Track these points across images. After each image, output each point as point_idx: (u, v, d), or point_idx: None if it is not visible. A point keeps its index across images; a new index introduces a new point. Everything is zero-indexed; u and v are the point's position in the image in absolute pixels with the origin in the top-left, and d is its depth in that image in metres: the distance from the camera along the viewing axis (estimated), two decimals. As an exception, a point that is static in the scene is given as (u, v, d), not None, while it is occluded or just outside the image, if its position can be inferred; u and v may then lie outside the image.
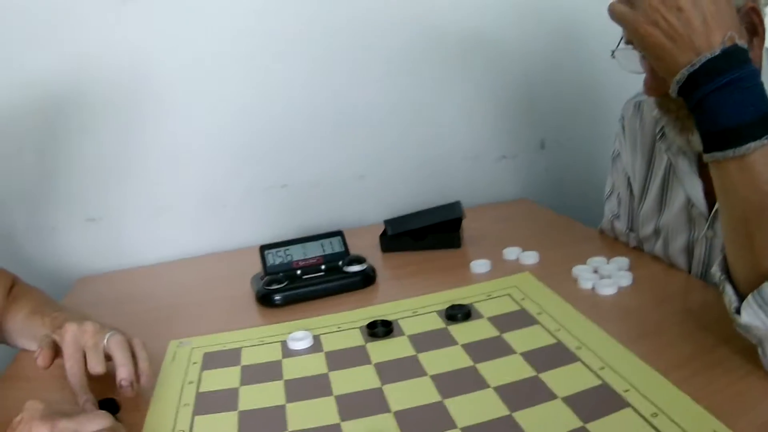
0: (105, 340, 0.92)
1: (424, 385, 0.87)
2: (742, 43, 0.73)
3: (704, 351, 0.86)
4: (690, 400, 0.75)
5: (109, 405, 0.88)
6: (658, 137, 1.11)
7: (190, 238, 1.60)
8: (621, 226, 1.26)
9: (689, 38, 0.73)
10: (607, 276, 1.09)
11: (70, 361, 0.90)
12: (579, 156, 1.78)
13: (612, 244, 1.28)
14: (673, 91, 0.77)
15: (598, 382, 0.81)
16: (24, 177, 1.53)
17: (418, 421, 0.79)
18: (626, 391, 0.79)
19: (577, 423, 0.74)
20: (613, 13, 0.78)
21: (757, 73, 0.73)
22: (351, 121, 1.61)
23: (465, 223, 1.40)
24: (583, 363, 0.86)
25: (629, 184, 1.24)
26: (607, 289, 1.05)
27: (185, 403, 0.90)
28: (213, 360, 1.02)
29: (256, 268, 1.27)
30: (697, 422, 0.71)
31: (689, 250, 1.10)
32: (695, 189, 1.05)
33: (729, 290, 0.78)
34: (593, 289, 1.07)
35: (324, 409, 0.84)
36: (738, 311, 0.76)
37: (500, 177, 1.75)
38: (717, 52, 0.72)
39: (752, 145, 0.71)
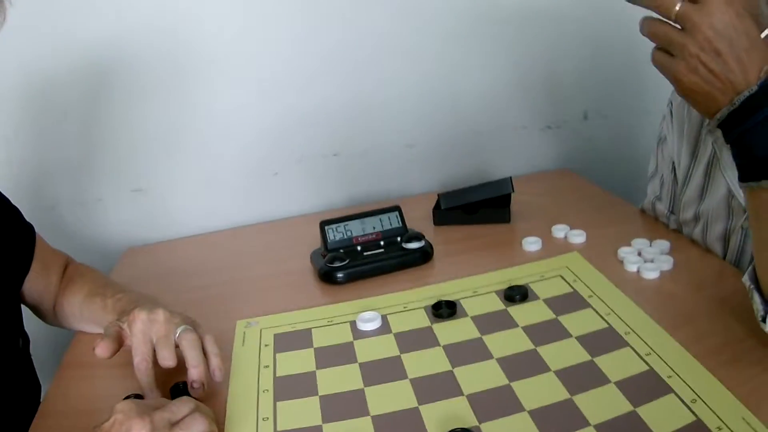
0: (176, 334, 0.92)
1: (491, 368, 0.92)
2: None
3: (735, 340, 0.90)
4: (724, 387, 0.80)
5: (179, 390, 0.92)
6: (705, 128, 1.13)
7: (239, 207, 1.63)
8: (662, 208, 1.29)
9: (728, 80, 0.74)
10: (650, 260, 1.13)
11: (139, 356, 0.90)
12: (621, 129, 1.79)
13: (653, 224, 1.31)
14: (712, 126, 0.79)
15: (645, 368, 0.86)
16: (69, 148, 1.55)
17: (490, 404, 0.85)
18: (669, 377, 0.84)
19: (629, 407, 0.80)
20: (655, 62, 0.79)
21: None
22: (401, 91, 1.63)
23: (520, 197, 1.44)
24: (632, 348, 0.91)
25: (674, 169, 1.25)
26: (651, 273, 1.10)
27: (264, 388, 0.96)
28: (285, 342, 1.07)
29: (309, 238, 1.32)
30: (730, 410, 0.76)
31: (726, 238, 1.12)
32: (737, 181, 1.06)
33: (756, 299, 0.82)
34: (638, 272, 1.12)
35: (401, 393, 0.90)
36: (764, 319, 0.81)
37: (544, 147, 1.77)
38: (755, 89, 0.73)
39: None
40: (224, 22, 1.52)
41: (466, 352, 0.96)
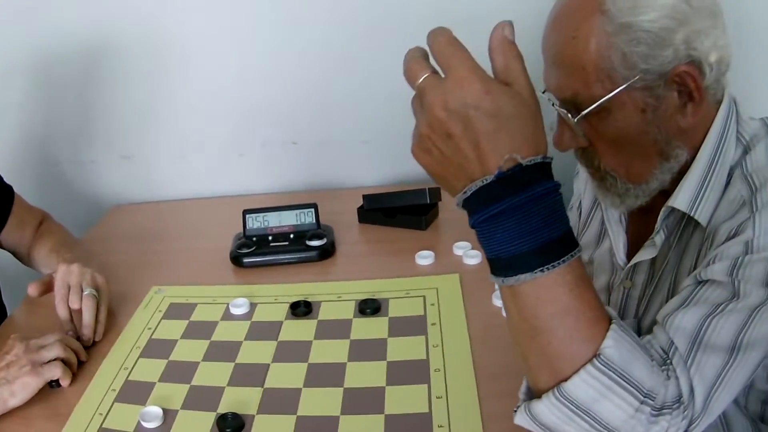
0: (85, 292, 1.24)
1: (298, 370, 1.13)
2: (528, 160, 0.63)
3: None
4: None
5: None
6: None
7: (211, 179, 1.93)
8: None
9: (460, 166, 0.65)
10: None
11: (57, 296, 1.23)
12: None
13: None
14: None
15: (425, 411, 0.99)
16: (66, 117, 1.90)
17: (276, 399, 1.09)
18: (440, 426, 0.96)
19: None
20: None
21: (549, 191, 0.65)
22: (363, 87, 1.81)
23: (448, 204, 1.53)
24: (429, 387, 1.04)
25: (579, 206, 1.26)
26: None
27: (138, 345, 1.24)
28: (173, 311, 1.35)
29: None
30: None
31: (608, 292, 1.13)
32: (617, 240, 1.10)
33: (523, 384, 0.78)
34: (501, 307, 1.16)
35: (220, 372, 1.15)
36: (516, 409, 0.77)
37: None
38: (490, 178, 0.63)
39: (521, 277, 0.66)
40: (202, 14, 1.78)
41: (292, 351, 1.19)
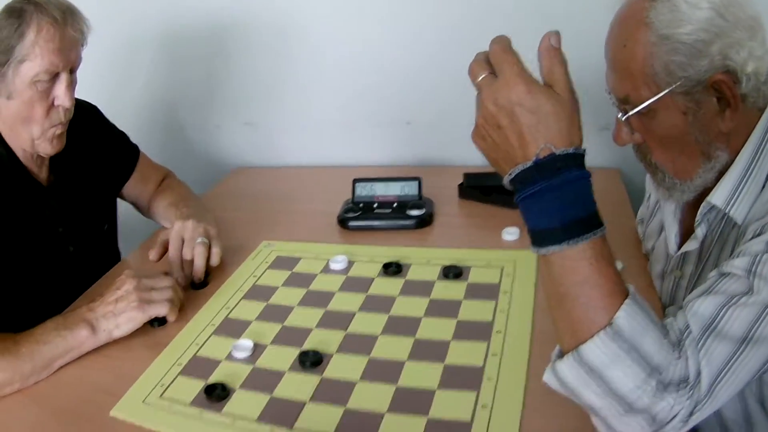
0: (197, 240, 1.36)
1: (379, 319, 1.23)
2: (561, 150, 0.74)
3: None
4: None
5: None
6: None
7: (327, 150, 2.05)
8: (640, 232, 1.36)
9: (507, 152, 0.76)
10: None
11: (171, 247, 1.36)
12: None
13: (637, 244, 1.37)
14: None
15: (479, 365, 1.05)
16: (193, 86, 2.06)
17: (354, 342, 1.18)
18: (489, 379, 1.02)
19: (433, 386, 1.03)
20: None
21: (579, 178, 0.75)
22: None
23: None
24: (488, 344, 1.09)
25: (649, 198, 1.33)
26: None
27: (243, 289, 1.36)
28: (279, 263, 1.46)
29: None
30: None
31: (661, 279, 1.19)
32: (670, 231, 1.15)
33: (556, 348, 0.83)
34: None
35: (313, 317, 1.25)
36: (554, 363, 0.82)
37: (598, 146, 1.81)
38: (529, 164, 0.74)
39: (551, 248, 0.75)
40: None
41: (377, 303, 1.27)
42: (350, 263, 1.43)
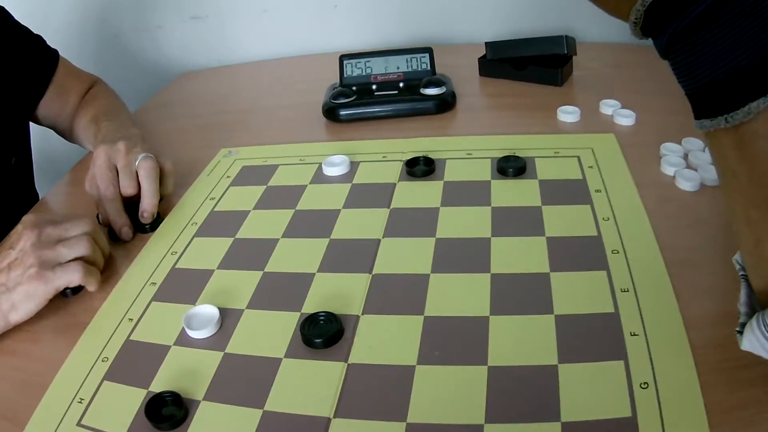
0: (137, 161, 0.85)
1: (422, 248, 0.72)
2: None
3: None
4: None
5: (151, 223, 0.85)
6: None
7: (297, 36, 1.48)
8: None
9: None
10: (694, 167, 0.82)
11: (104, 182, 0.85)
12: None
13: None
14: (636, 34, 0.49)
15: (609, 310, 0.60)
16: None
17: (397, 286, 0.67)
18: (633, 335, 0.57)
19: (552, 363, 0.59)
20: None
21: None
22: None
23: (581, 61, 1.17)
24: (608, 276, 0.64)
25: None
26: (687, 184, 0.79)
27: (195, 221, 0.84)
28: (246, 175, 0.93)
29: None
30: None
31: None
32: None
33: (743, 293, 0.49)
34: (674, 177, 0.81)
35: (310, 253, 0.74)
36: (741, 330, 0.48)
37: None
38: None
39: (753, 105, 0.42)
40: None
41: (411, 222, 0.77)
42: (354, 165, 0.91)
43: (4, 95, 1.02)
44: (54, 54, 1.13)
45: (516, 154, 0.87)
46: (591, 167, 0.84)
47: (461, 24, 1.42)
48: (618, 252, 0.67)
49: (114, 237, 0.83)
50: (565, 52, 1.09)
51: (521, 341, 0.57)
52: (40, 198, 1.09)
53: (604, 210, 0.74)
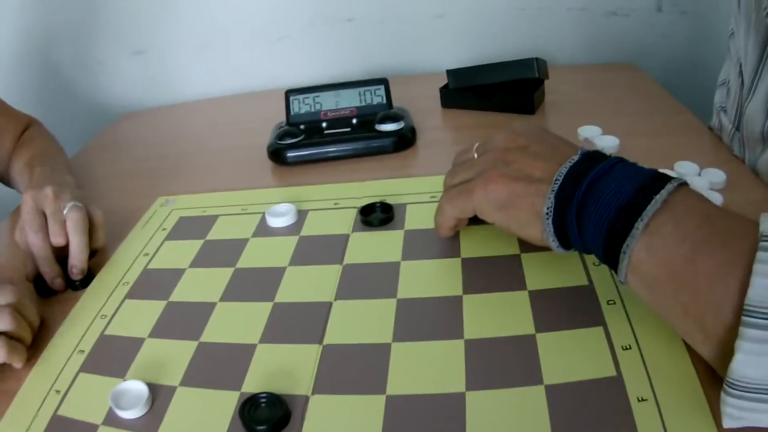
0: (65, 210, 0.78)
1: (380, 311, 0.64)
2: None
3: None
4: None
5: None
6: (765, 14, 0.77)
7: (242, 72, 1.41)
8: (726, 122, 0.93)
9: (539, 165, 0.58)
10: None
11: (33, 228, 0.77)
12: (703, 28, 1.35)
13: (715, 146, 0.91)
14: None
15: (611, 374, 0.52)
16: (73, 10, 1.39)
17: (353, 359, 0.59)
18: (642, 400, 0.50)
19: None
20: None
21: (620, 159, 0.54)
22: None
23: (552, 85, 1.11)
24: (605, 330, 0.56)
25: (740, 72, 0.89)
26: None
27: (126, 281, 0.75)
28: (183, 228, 0.84)
29: None
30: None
31: None
32: None
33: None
34: None
35: (251, 319, 0.65)
36: None
37: (607, 36, 1.38)
38: (576, 157, 0.56)
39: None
40: None
41: (363, 281, 0.68)
42: (301, 214, 0.83)
43: None
44: None
45: None
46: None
47: (419, 53, 1.36)
48: (614, 302, 0.60)
49: (42, 291, 0.75)
50: (536, 75, 1.03)
51: (506, 418, 0.49)
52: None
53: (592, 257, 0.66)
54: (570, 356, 0.53)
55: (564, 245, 0.56)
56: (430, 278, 0.66)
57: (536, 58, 1.04)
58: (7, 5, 1.40)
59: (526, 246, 0.67)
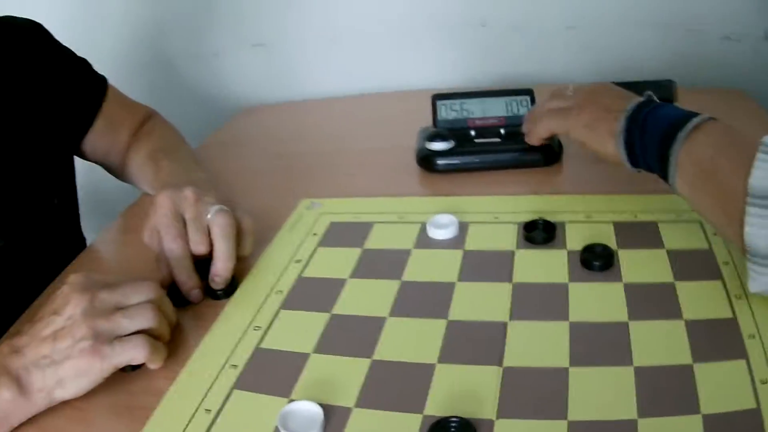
0: (209, 215, 0.74)
1: (554, 334, 0.62)
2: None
3: None
4: None
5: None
6: None
7: (368, 72, 1.39)
8: None
9: (609, 106, 0.77)
10: None
11: (168, 235, 0.73)
12: None
13: None
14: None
15: (752, 406, 0.51)
16: (183, 6, 1.41)
17: (533, 383, 0.57)
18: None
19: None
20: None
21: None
22: None
23: (692, 106, 1.06)
24: (747, 364, 0.55)
25: None
26: None
27: (279, 289, 0.73)
28: (336, 233, 0.83)
29: (429, 115, 1.03)
30: None
31: None
32: None
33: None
34: None
35: (426, 338, 0.63)
36: None
37: (719, 60, 1.31)
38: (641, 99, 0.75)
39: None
40: None
41: (537, 302, 0.66)
42: (463, 226, 0.80)
43: (46, 126, 0.94)
44: (102, 81, 1.04)
45: (637, 219, 0.78)
46: (716, 233, 0.73)
47: (548, 62, 1.34)
48: (754, 337, 0.58)
49: (176, 301, 0.70)
50: (672, 99, 0.98)
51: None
52: (87, 243, 1.00)
53: (734, 285, 0.65)
54: (719, 387, 0.53)
55: (632, 163, 0.72)
56: (596, 303, 0.65)
57: (671, 80, 1.00)
58: (113, 10, 1.43)
59: (680, 275, 0.67)
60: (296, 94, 1.42)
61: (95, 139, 1.02)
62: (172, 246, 0.73)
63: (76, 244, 1.01)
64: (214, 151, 1.18)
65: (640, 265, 0.69)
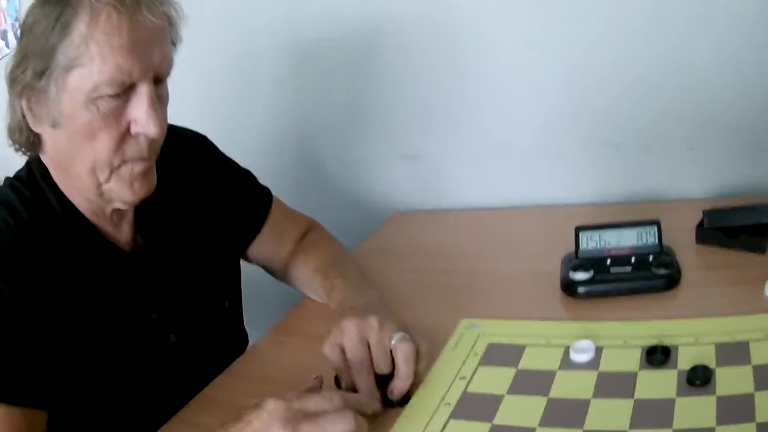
0: (393, 340, 0.89)
1: None
2: None
3: None
4: None
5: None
6: None
7: (514, 186, 1.57)
8: None
9: None
10: None
11: (356, 357, 0.88)
12: None
13: None
14: None
15: None
16: (333, 111, 1.62)
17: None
18: None
19: None
20: None
21: None
22: (683, 81, 1.38)
23: None
24: None
25: None
26: None
27: (447, 401, 0.93)
28: (494, 354, 1.02)
29: (568, 235, 1.20)
30: None
31: None
32: None
33: None
34: None
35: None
36: None
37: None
38: None
39: None
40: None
41: (650, 416, 0.83)
42: (598, 350, 0.98)
43: (217, 234, 1.10)
44: (266, 192, 1.22)
45: (733, 340, 0.91)
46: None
47: (670, 181, 1.48)
48: None
49: (388, 403, 0.88)
50: None
51: None
52: (249, 337, 1.18)
53: None
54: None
55: None
56: (695, 413, 0.79)
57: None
58: (257, 103, 1.64)
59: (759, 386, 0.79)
60: (443, 203, 1.62)
61: (260, 246, 1.19)
62: (359, 367, 0.87)
63: (241, 339, 1.19)
64: (370, 258, 1.36)
65: (731, 381, 0.83)
